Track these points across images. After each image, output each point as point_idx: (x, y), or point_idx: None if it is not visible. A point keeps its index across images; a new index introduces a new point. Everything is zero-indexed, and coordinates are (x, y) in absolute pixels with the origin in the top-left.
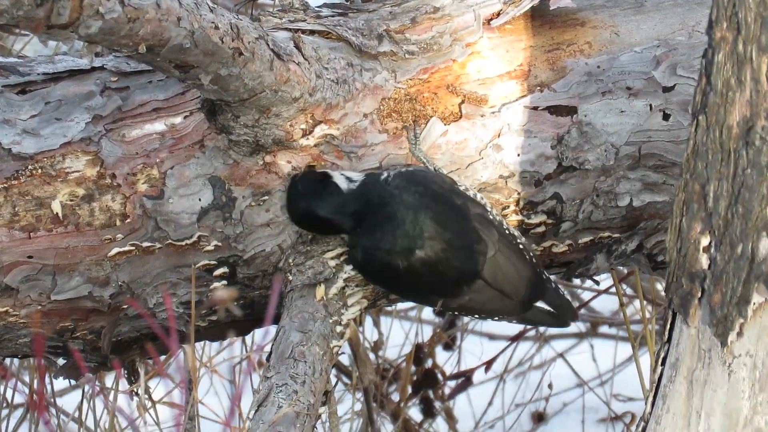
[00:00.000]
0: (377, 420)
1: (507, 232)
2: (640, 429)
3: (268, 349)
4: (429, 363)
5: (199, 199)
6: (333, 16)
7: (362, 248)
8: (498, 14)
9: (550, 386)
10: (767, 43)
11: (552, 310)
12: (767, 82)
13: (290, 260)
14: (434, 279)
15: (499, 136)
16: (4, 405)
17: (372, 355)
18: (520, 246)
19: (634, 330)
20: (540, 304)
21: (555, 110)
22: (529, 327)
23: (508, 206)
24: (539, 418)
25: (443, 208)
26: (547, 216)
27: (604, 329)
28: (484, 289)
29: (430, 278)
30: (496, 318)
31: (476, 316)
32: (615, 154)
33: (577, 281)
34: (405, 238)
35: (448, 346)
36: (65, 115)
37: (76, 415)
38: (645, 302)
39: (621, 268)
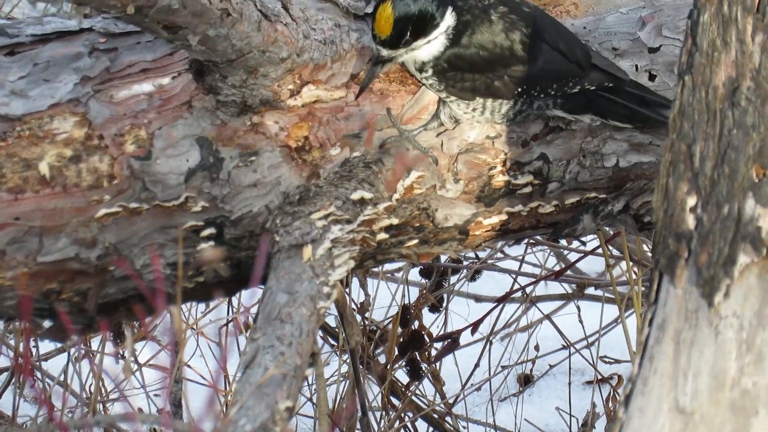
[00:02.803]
0: (364, 382)
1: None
2: (627, 390)
3: (254, 310)
4: (415, 324)
5: (187, 160)
6: None
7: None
8: None
9: (536, 348)
10: (752, 4)
11: (604, 68)
12: (752, 42)
13: (277, 221)
14: (511, 44)
15: None
16: None
17: (359, 317)
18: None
19: (620, 291)
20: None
21: None
22: (515, 288)
23: (495, 166)
24: (526, 380)
25: None
26: (534, 176)
27: (590, 291)
28: (547, 53)
29: (510, 45)
30: (570, 84)
31: (552, 87)
32: None
33: (563, 242)
34: (480, 12)
35: (435, 308)
36: (53, 77)
37: (62, 378)
38: (631, 263)
39: (607, 228)
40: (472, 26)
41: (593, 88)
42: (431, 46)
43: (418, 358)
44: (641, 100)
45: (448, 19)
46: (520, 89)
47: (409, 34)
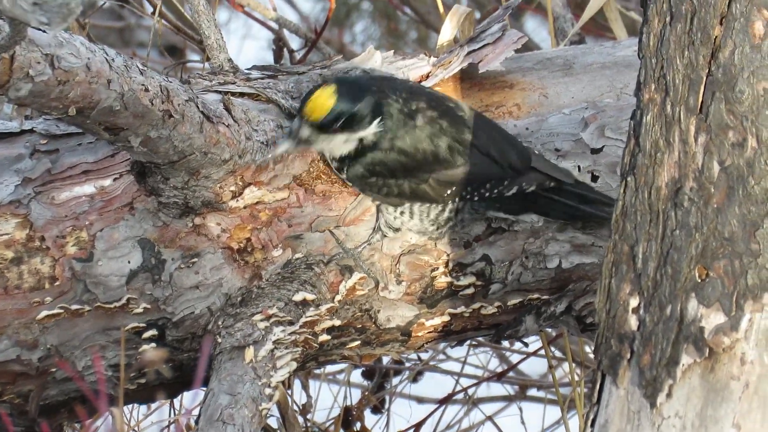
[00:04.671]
0: None
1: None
2: None
3: (196, 412)
4: (358, 426)
5: (129, 262)
6: (263, 78)
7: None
8: (427, 76)
9: None
10: (695, 105)
11: (544, 171)
12: (695, 143)
13: (219, 322)
14: (436, 149)
15: None
16: None
17: (300, 418)
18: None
19: (563, 393)
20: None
21: None
22: (457, 390)
23: (438, 268)
24: None
25: (411, 87)
26: (477, 278)
27: (533, 392)
28: (476, 157)
29: (434, 149)
30: (505, 184)
31: (485, 187)
32: None
33: (506, 343)
34: (404, 117)
35: (377, 409)
36: None
37: None
38: (574, 365)
39: (550, 330)
40: (393, 132)
41: (532, 188)
42: (346, 144)
43: None
44: (583, 199)
45: (372, 129)
46: (449, 191)
47: (338, 125)
